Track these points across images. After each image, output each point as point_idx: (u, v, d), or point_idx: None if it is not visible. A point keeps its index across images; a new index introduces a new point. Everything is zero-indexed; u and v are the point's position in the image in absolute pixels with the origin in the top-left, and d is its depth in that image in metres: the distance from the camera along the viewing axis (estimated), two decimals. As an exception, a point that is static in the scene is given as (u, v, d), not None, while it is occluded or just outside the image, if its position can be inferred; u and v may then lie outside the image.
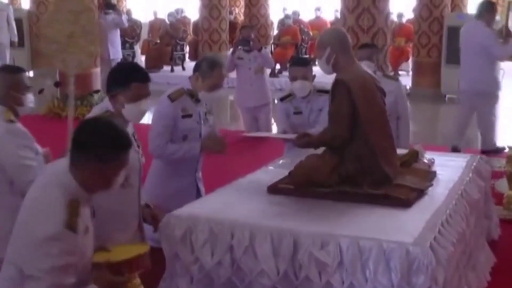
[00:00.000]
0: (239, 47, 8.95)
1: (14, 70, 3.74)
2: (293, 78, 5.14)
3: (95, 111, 3.48)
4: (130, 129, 3.42)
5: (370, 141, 3.75)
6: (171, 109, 4.41)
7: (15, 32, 14.36)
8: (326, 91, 4.96)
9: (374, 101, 3.88)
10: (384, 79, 5.38)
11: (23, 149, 3.46)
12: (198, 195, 4.60)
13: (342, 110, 3.77)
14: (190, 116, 4.47)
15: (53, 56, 4.08)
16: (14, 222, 2.63)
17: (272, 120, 9.32)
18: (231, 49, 9.82)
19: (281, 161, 4.63)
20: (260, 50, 8.89)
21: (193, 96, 4.49)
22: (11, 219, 2.73)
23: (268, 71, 9.51)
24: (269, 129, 9.05)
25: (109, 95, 3.44)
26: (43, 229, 2.45)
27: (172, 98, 4.43)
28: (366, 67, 5.36)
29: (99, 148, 2.56)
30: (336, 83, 3.84)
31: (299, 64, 5.22)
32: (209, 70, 4.42)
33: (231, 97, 13.11)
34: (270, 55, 9.25)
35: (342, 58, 3.89)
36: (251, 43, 8.88)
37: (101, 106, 3.51)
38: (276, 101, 8.15)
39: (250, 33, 9.12)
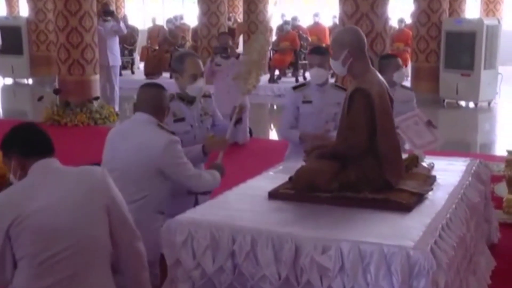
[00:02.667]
0: (217, 54, 8.93)
1: (159, 86, 4.14)
2: (309, 66, 5.32)
3: None
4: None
5: (380, 151, 3.72)
6: None
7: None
8: (342, 88, 5.24)
9: (388, 111, 3.85)
10: (401, 90, 5.80)
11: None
12: (196, 201, 4.59)
13: (361, 119, 3.70)
14: (182, 119, 4.47)
15: (238, 78, 4.45)
16: None
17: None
18: (210, 57, 9.78)
19: (281, 167, 4.64)
20: (238, 57, 8.86)
21: (183, 98, 4.50)
22: None
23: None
24: (245, 135, 9.06)
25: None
26: None
27: None
28: (396, 77, 5.71)
29: None
30: (356, 91, 3.75)
31: (316, 52, 5.30)
32: (181, 64, 4.46)
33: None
34: None
35: (358, 62, 3.83)
36: (229, 50, 8.86)
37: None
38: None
39: (227, 40, 9.12)
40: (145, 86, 4.16)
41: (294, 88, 5.35)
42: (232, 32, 16.71)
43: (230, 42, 9.23)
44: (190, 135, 4.53)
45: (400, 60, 5.97)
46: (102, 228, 2.98)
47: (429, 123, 5.81)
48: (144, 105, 4.01)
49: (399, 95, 5.59)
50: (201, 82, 4.50)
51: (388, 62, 5.80)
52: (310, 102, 5.20)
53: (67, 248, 2.82)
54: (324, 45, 15.76)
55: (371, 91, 3.71)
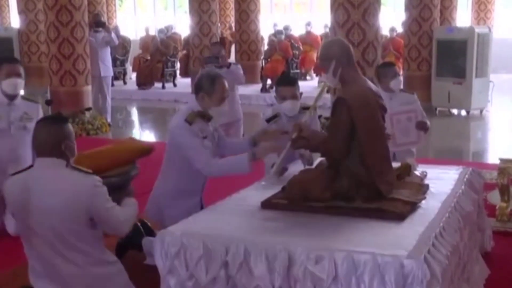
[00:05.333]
0: (209, 63, 8.86)
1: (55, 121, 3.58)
2: (282, 98, 5.06)
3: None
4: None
5: (367, 160, 3.75)
6: (193, 130, 4.36)
7: None
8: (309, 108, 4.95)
9: (373, 119, 3.87)
10: (401, 94, 6.03)
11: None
12: (201, 205, 4.56)
13: (340, 126, 3.79)
14: (206, 137, 4.43)
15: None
16: None
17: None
18: (201, 67, 9.67)
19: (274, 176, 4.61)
20: (229, 66, 8.74)
21: (204, 116, 4.46)
22: None
23: (239, 88, 9.14)
24: None
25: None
26: None
27: (189, 121, 4.34)
28: (393, 84, 5.75)
29: None
30: (337, 101, 3.86)
31: (288, 84, 5.14)
32: (211, 85, 4.39)
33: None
34: (240, 71, 8.88)
35: (347, 71, 3.92)
36: (220, 59, 8.78)
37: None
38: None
39: (220, 49, 9.05)
40: (39, 123, 3.59)
41: (268, 120, 5.16)
42: (223, 42, 16.72)
43: (223, 52, 9.20)
44: (211, 152, 4.45)
45: (397, 68, 6.20)
46: None
47: (420, 125, 5.88)
48: (41, 148, 3.46)
49: (400, 98, 5.92)
50: (226, 105, 4.50)
51: (385, 70, 6.03)
52: (286, 133, 5.06)
53: None
54: (316, 53, 15.84)
55: (350, 101, 3.77)
